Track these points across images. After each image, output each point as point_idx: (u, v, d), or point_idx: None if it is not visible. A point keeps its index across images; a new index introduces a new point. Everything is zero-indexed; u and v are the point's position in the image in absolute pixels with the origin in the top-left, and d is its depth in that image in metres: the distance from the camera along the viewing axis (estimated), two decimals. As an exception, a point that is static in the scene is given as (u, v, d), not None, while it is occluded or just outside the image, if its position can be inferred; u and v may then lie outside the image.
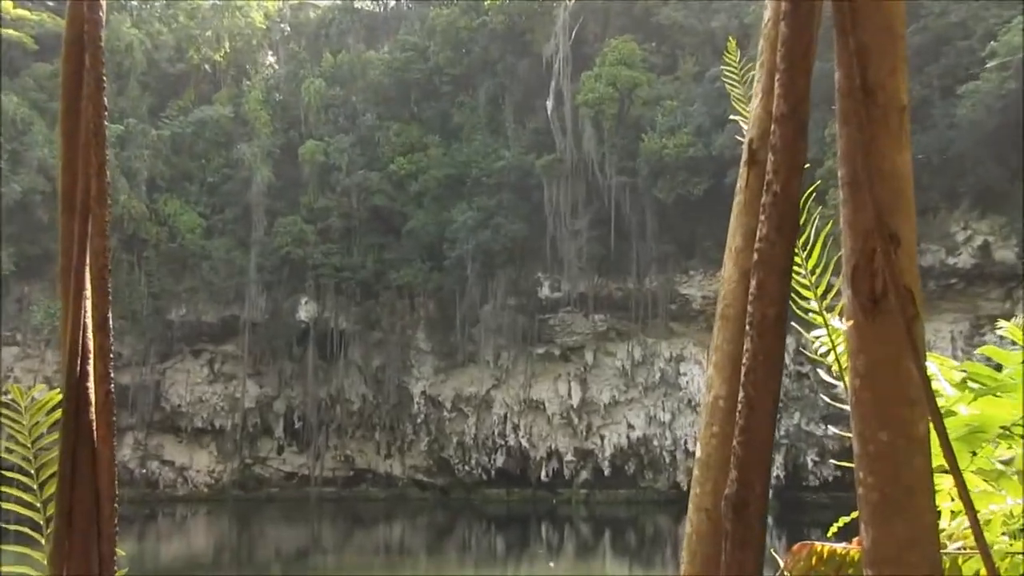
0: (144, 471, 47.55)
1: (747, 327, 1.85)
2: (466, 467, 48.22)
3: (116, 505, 1.95)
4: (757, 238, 1.85)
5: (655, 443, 45.49)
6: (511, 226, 44.32)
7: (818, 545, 2.45)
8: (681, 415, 44.16)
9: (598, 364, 45.80)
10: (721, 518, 1.88)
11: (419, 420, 47.50)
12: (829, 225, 2.47)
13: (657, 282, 43.27)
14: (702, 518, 2.04)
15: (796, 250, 2.57)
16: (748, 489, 1.85)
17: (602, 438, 46.58)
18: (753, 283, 1.85)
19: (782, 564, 2.50)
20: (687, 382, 43.71)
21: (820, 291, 3.01)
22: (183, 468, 48.92)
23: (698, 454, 2.05)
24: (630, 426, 46.02)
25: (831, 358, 3.00)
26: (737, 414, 1.84)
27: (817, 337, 3.06)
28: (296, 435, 48.61)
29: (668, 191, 41.63)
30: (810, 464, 41.71)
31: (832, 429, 34.52)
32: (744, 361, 1.83)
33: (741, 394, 1.83)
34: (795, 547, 2.46)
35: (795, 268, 2.55)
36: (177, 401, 47.17)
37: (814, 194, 2.55)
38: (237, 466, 48.62)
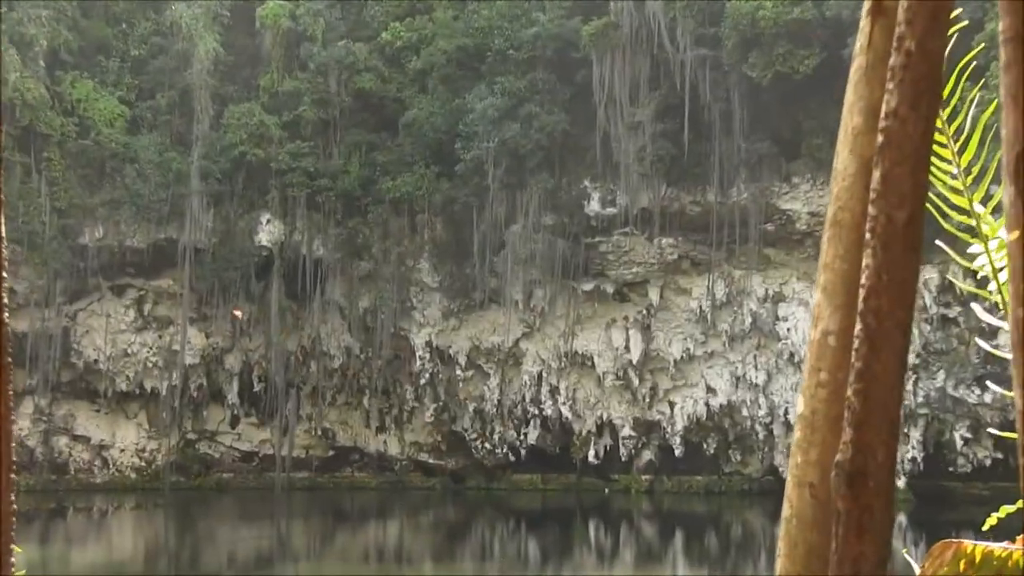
0: (48, 451, 47.65)
1: (867, 236, 1.89)
2: (486, 445, 48.61)
3: (12, 496, 2.01)
4: (882, 114, 1.89)
5: (744, 413, 45.62)
6: (547, 117, 43.93)
7: (968, 545, 2.47)
8: (780, 375, 44.35)
9: (666, 305, 46.01)
10: (830, 495, 1.90)
11: (423, 381, 48.19)
12: (991, 108, 2.44)
13: (748, 194, 43.06)
14: (804, 497, 2.07)
15: (940, 137, 2.82)
16: (868, 455, 1.85)
17: (671, 406, 46.87)
18: (876, 176, 1.89)
19: (917, 570, 2.58)
20: (788, 330, 43.87)
21: (978, 196, 3.01)
22: (102, 446, 49.01)
23: (800, 409, 2.08)
24: (710, 390, 46.27)
25: (992, 288, 2.99)
26: (853, 354, 1.87)
27: (975, 257, 3.02)
28: (256, 401, 49.18)
29: (764, 68, 40.98)
30: (959, 442, 41.64)
31: (994, 388, 34.93)
32: (863, 282, 1.87)
33: (859, 327, 1.87)
34: (936, 546, 2.51)
35: (938, 161, 2.82)
36: (93, 355, 47.53)
37: (969, 67, 2.70)
38: (176, 443, 48.87)
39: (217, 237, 46.32)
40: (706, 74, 42.52)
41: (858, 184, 2.04)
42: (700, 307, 44.90)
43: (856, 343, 1.85)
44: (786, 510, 2.10)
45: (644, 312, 45.84)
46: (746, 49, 41.10)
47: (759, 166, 42.63)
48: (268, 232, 46.54)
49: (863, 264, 1.87)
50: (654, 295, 45.37)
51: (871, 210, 1.88)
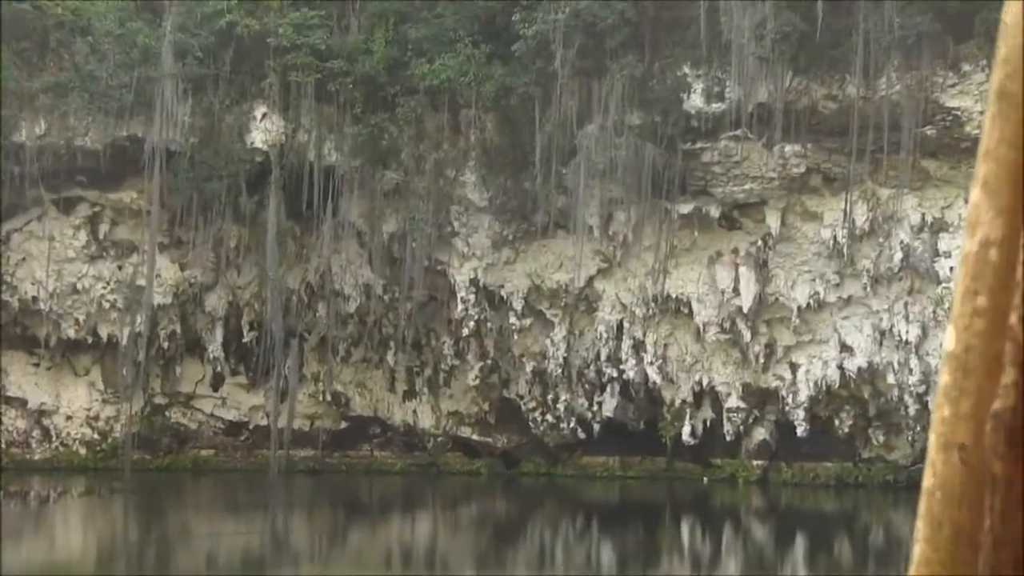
0: (-28, 417, 49.60)
1: None
2: (548, 417, 50.17)
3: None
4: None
5: (890, 379, 46.92)
6: None
7: None
8: (940, 328, 44.88)
9: (789, 235, 47.38)
10: (985, 459, 1.84)
11: (466, 332, 49.49)
12: None
13: (902, 85, 44.07)
14: (953, 462, 1.95)
15: None
16: None
17: (794, 369, 48.27)
18: None
19: None
20: (952, 269, 43.82)
21: None
22: (42, 412, 50.97)
23: (948, 346, 1.96)
24: (845, 348, 47.56)
25: None
26: (1020, 268, 1.84)
27: None
28: (245, 355, 50.73)
29: None
30: None
31: None
32: None
33: None
34: None
35: None
36: (31, 291, 48.97)
37: None
38: (140, 410, 50.34)
39: (196, 136, 47.25)
40: None
41: None
42: (834, 238, 45.86)
43: (1022, 256, 1.82)
44: (927, 480, 2.04)
45: (760, 244, 47.00)
46: None
47: (917, 48, 43.40)
48: (264, 130, 47.67)
49: None
50: (773, 221, 46.50)
51: None
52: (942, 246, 45.12)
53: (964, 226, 2.06)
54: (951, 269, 44.04)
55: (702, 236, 47.46)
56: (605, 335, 48.79)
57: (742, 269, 47.43)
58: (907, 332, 46.23)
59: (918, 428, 46.20)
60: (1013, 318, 1.84)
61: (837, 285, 46.95)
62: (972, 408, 1.97)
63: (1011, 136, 1.96)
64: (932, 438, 2.08)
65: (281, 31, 46.80)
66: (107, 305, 49.55)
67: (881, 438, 48.01)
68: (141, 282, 48.36)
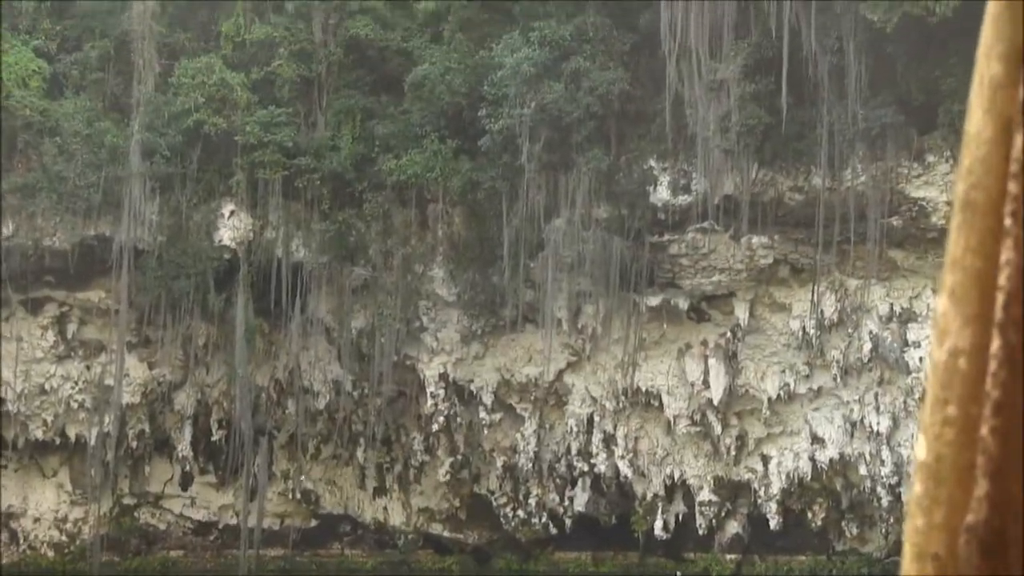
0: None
1: (1007, 222, 1.85)
2: (519, 513, 50.00)
3: None
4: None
5: (862, 471, 46.95)
6: (601, 74, 45.32)
7: None
8: (911, 419, 45.02)
9: (758, 327, 47.57)
10: (959, 570, 1.85)
11: (435, 427, 49.48)
12: None
13: (867, 177, 44.19)
14: (926, 572, 1.94)
15: None
16: (1008, 515, 1.81)
17: (765, 461, 48.36)
18: (1019, 142, 1.85)
19: None
20: (922, 359, 44.34)
21: None
22: (10, 515, 50.62)
23: (920, 455, 1.99)
24: (816, 439, 47.66)
25: None
26: (989, 380, 1.82)
27: None
28: (214, 454, 50.70)
29: (888, 10, 42.05)
30: None
31: None
32: (1001, 284, 1.83)
33: (996, 343, 1.81)
34: None
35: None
36: None
37: None
38: (109, 511, 50.13)
39: (164, 234, 47.43)
40: (811, 17, 42.87)
41: (996, 154, 1.95)
42: (803, 328, 45.97)
43: (993, 365, 1.82)
44: None
45: (729, 335, 47.11)
46: (865, -21, 41.73)
47: (882, 140, 43.57)
48: (232, 228, 47.96)
49: (1002, 260, 1.84)
50: (742, 312, 46.67)
51: (1011, 187, 1.86)
52: (911, 336, 45.16)
53: (932, 333, 2.04)
54: (920, 359, 44.17)
55: (671, 328, 47.49)
56: (575, 429, 48.78)
57: (712, 361, 47.38)
58: (878, 423, 46.12)
59: (891, 520, 46.18)
60: (984, 430, 1.83)
61: (807, 376, 47.01)
62: (945, 518, 1.95)
63: (976, 245, 1.95)
64: (906, 548, 2.04)
65: (248, 129, 46.93)
66: (75, 405, 49.38)
67: (855, 530, 47.82)
68: (109, 381, 48.14)
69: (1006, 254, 1.83)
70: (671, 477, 48.41)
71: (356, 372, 49.02)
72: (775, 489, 47.57)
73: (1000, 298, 1.84)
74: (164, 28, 48.80)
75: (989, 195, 1.94)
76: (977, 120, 1.98)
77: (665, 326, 47.41)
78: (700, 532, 48.51)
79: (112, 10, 48.62)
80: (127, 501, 50.70)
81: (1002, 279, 1.83)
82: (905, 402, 45.61)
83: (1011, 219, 1.85)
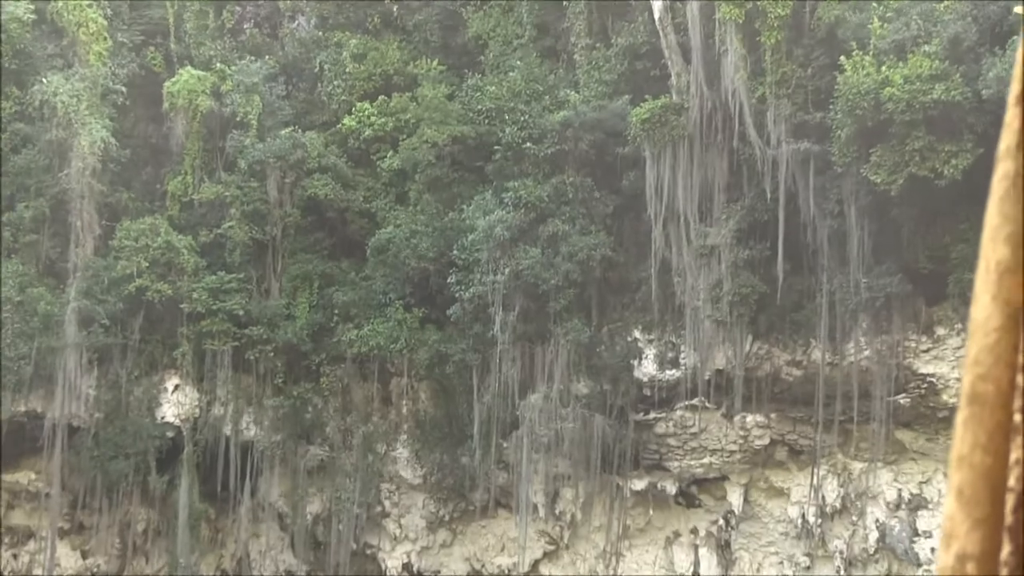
0: None
1: (1016, 418, 1.96)
2: None
3: None
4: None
5: None
6: (581, 238, 44.30)
7: None
8: None
9: (753, 513, 46.07)
10: None
11: None
12: None
13: (872, 350, 42.88)
14: None
15: None
16: None
17: None
18: None
19: None
20: (933, 550, 42.94)
21: None
22: None
23: None
24: None
25: None
26: None
27: None
28: None
29: (892, 171, 40.50)
30: None
31: None
32: (1012, 485, 1.91)
33: (1007, 549, 1.88)
34: None
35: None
36: None
37: None
38: None
39: (101, 411, 46.35)
40: (809, 179, 42.41)
41: (1005, 343, 2.10)
42: (803, 516, 44.74)
43: (1004, 573, 1.91)
44: None
45: (721, 523, 45.84)
46: (867, 142, 40.81)
47: (887, 311, 42.37)
48: (176, 403, 46.85)
49: (1012, 458, 1.93)
50: (735, 498, 45.39)
51: (1021, 380, 1.96)
52: (921, 525, 43.66)
53: (939, 535, 2.09)
54: (932, 550, 42.90)
55: (658, 515, 46.49)
56: (554, 628, 47.65)
57: (702, 551, 46.34)
58: (887, 622, 45.07)
59: None
60: None
61: (807, 568, 45.49)
62: None
63: (985, 441, 2.07)
64: None
65: (195, 296, 46.30)
66: (4, 601, 48.40)
67: None
68: (39, 571, 47.27)
69: (1016, 452, 1.91)
70: None
71: (311, 561, 48.25)
72: None
73: (1010, 500, 1.92)
74: (105, 186, 48.22)
75: (999, 387, 2.08)
76: (984, 306, 2.15)
77: (651, 512, 46.43)
78: None
79: (48, 167, 47.87)
80: None
81: (1012, 479, 1.91)
82: (916, 600, 44.56)
83: (1021, 415, 1.93)
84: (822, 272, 42.56)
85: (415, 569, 47.66)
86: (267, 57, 50.81)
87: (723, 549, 46.14)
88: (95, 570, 47.87)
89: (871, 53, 41.06)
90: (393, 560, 47.74)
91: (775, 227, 42.57)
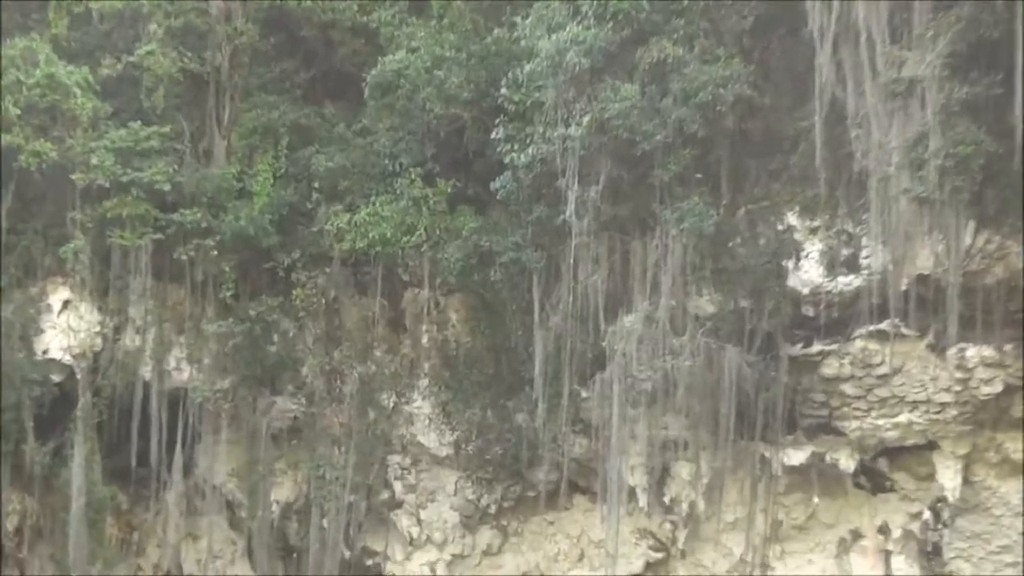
0: None
1: None
2: None
3: None
4: None
5: None
6: (704, 69, 43.53)
7: None
8: None
9: (977, 502, 46.12)
10: None
11: None
12: None
13: None
14: None
15: None
16: None
17: None
18: None
19: None
20: None
21: None
22: None
23: None
24: None
25: None
26: None
27: None
28: None
29: None
30: None
31: None
32: None
33: None
34: None
35: None
36: None
37: None
38: None
39: None
40: None
41: None
42: None
43: None
44: None
45: (928, 517, 46.21)
46: None
47: None
48: (65, 330, 47.69)
49: None
50: (949, 478, 45.36)
51: None
52: None
53: None
54: None
55: (827, 504, 47.11)
56: None
57: (897, 561, 46.63)
58: None
59: None
60: None
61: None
62: None
63: None
64: None
65: (95, 161, 46.83)
66: None
67: None
68: None
69: None
70: None
71: None
72: None
73: None
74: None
75: None
76: None
77: (816, 500, 46.95)
78: None
79: None
80: None
81: None
82: None
83: None
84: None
85: None
86: None
87: (930, 558, 46.30)
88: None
89: None
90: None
91: (1010, 49, 41.24)
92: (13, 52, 47.23)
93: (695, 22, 44.28)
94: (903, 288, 42.77)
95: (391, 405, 47.24)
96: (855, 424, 44.73)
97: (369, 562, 48.48)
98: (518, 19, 45.67)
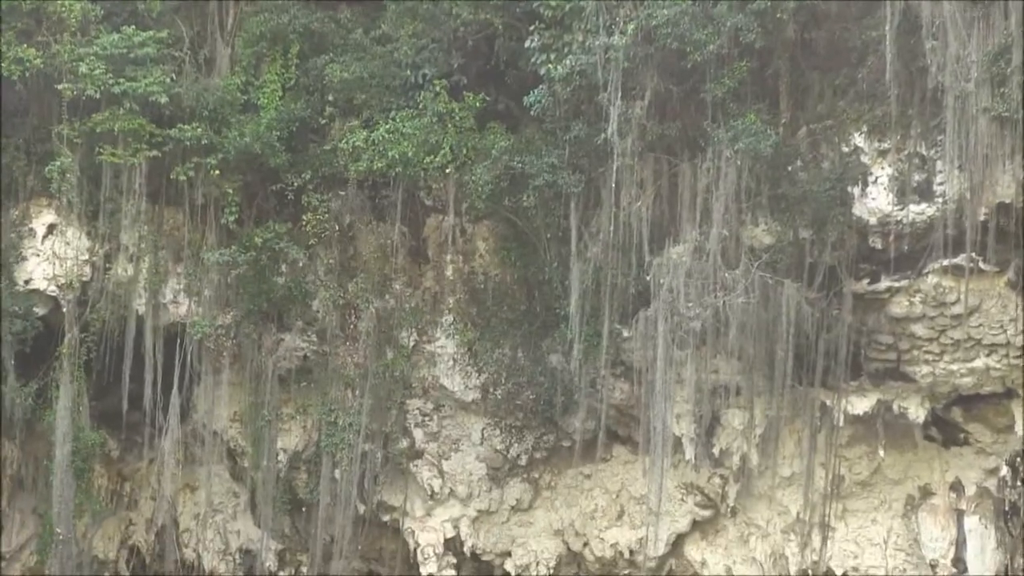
0: None
1: None
2: None
3: None
4: None
5: None
6: None
7: None
8: None
9: None
10: None
11: None
12: None
13: None
14: None
15: None
16: None
17: None
18: None
19: None
20: None
21: None
22: None
23: None
24: None
25: None
26: None
27: None
28: None
29: None
30: None
31: None
32: None
33: None
34: None
35: None
36: None
37: None
38: None
39: None
40: None
41: None
42: None
43: None
44: None
45: (1006, 474, 46.11)
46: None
47: None
48: (51, 258, 47.98)
49: None
50: None
51: None
52: None
53: None
54: None
55: (894, 458, 47.28)
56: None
57: (971, 521, 46.62)
58: None
59: None
60: None
61: None
62: None
63: None
64: None
65: (85, 69, 46.69)
66: None
67: None
68: None
69: None
70: None
71: (285, 535, 50.18)
72: None
73: None
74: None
75: None
76: None
77: (882, 454, 46.95)
78: None
79: None
80: None
81: None
82: None
83: None
84: None
85: (467, 548, 49.12)
86: None
87: (1008, 518, 46.02)
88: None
89: None
90: (429, 533, 49.09)
91: None
92: (-10, -56, 46.76)
93: (751, -84, 44.42)
94: (982, 218, 42.83)
95: (411, 344, 47.42)
96: (926, 369, 44.78)
97: (386, 518, 48.71)
98: (558, -88, 45.15)
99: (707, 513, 48.10)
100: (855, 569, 47.14)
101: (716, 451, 47.11)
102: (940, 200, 43.45)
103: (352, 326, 47.05)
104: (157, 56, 46.87)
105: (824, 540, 46.83)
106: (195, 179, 46.67)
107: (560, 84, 43.66)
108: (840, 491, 46.66)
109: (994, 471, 45.78)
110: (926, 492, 46.61)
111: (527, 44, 44.40)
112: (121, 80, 46.07)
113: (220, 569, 49.64)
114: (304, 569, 49.13)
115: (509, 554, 48.92)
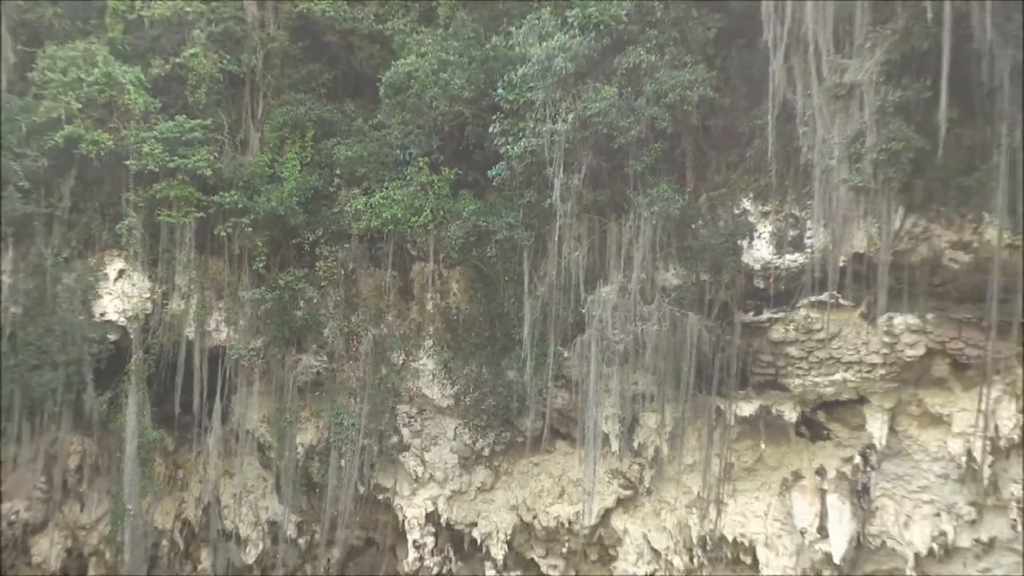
0: None
1: None
2: None
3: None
4: None
5: None
6: (673, 74, 43.56)
7: None
8: None
9: (901, 448, 46.05)
10: None
11: None
12: None
13: None
14: None
15: None
16: None
17: None
18: None
19: None
20: None
21: None
22: None
23: None
24: None
25: None
26: None
27: None
28: None
29: None
30: None
31: None
32: None
33: None
34: None
35: None
36: None
37: None
38: None
39: (20, 305, 46.93)
40: None
41: None
42: (968, 452, 44.26)
43: None
44: None
45: (858, 461, 45.93)
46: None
47: None
48: (120, 296, 47.36)
49: None
50: (877, 428, 45.15)
51: None
52: None
53: None
54: None
55: (772, 450, 46.80)
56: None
57: (831, 498, 46.40)
58: None
59: None
60: None
61: (973, 521, 45.42)
62: None
63: None
64: None
65: (146, 149, 46.28)
66: None
67: None
68: None
69: None
70: None
71: (302, 510, 49.50)
72: None
73: None
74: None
75: None
76: None
77: (763, 446, 46.65)
78: None
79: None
80: None
81: None
82: None
83: None
84: (1001, 121, 40.99)
85: (443, 520, 48.47)
86: None
87: (859, 496, 46.04)
88: (12, 519, 48.96)
89: None
90: (413, 509, 48.48)
91: (937, 59, 40.73)
92: (75, 53, 46.75)
93: (666, 32, 44.24)
94: (841, 264, 42.66)
95: (400, 362, 47.18)
96: (798, 381, 44.78)
97: (380, 497, 48.56)
98: (513, 29, 45.24)
99: (628, 493, 47.92)
100: (743, 535, 46.78)
101: (636, 444, 47.01)
102: (809, 250, 43.20)
103: (354, 348, 46.74)
104: (203, 139, 46.67)
105: (719, 513, 46.70)
106: (233, 235, 46.60)
107: (516, 160, 43.33)
108: (731, 475, 46.47)
109: (849, 459, 45.76)
110: (797, 476, 46.50)
111: (491, 129, 44.04)
112: (175, 157, 45.98)
113: (252, 536, 49.66)
114: (317, 536, 48.84)
115: (475, 524, 48.72)
